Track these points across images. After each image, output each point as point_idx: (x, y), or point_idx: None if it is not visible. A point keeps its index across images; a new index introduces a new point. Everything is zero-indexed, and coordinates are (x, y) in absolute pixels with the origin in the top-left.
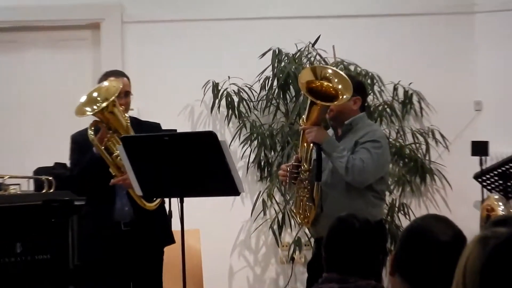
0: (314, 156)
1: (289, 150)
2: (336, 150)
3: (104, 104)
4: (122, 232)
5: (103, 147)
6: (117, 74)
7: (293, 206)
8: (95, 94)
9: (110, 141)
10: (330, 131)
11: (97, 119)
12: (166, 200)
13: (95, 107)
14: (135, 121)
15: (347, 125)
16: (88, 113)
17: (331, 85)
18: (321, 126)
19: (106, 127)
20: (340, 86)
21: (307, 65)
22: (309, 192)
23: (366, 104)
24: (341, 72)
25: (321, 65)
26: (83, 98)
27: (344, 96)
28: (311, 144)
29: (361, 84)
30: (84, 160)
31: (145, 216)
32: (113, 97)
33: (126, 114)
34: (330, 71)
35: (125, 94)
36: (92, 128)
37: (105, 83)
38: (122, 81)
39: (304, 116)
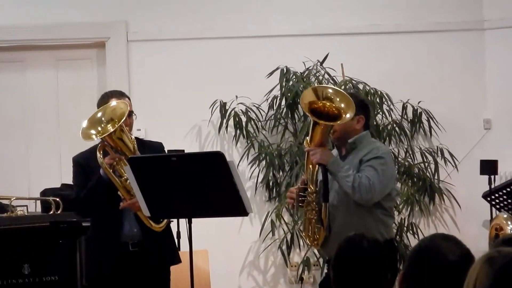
0: (320, 177)
1: (297, 170)
2: (341, 170)
3: (111, 129)
4: (130, 253)
5: (111, 171)
6: (118, 94)
7: (301, 227)
8: (99, 115)
9: (118, 165)
10: (335, 151)
11: (104, 142)
12: (174, 220)
13: (99, 128)
14: (137, 141)
15: (350, 144)
16: (93, 136)
17: (333, 104)
18: (325, 147)
19: (114, 151)
20: (342, 105)
21: (316, 84)
22: (317, 214)
23: (369, 122)
24: (342, 91)
25: (322, 85)
26: (85, 123)
27: (347, 115)
28: (317, 166)
29: (363, 102)
30: (91, 183)
31: (152, 237)
32: (120, 122)
33: (132, 136)
34: (331, 90)
35: (128, 114)
36: (101, 151)
37: (113, 103)
38: (126, 102)
39: (308, 138)
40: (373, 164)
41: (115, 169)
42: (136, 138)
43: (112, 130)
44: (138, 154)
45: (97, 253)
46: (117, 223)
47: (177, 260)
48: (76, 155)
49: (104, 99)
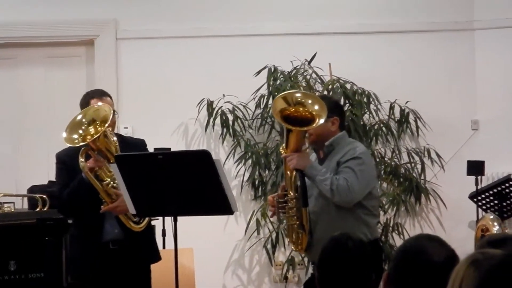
0: (298, 182)
1: (283, 169)
2: (318, 173)
3: (93, 131)
4: (110, 251)
5: (93, 174)
6: (99, 94)
7: (286, 231)
8: (79, 117)
9: (101, 169)
10: (313, 156)
11: (87, 146)
12: (160, 218)
13: (80, 131)
14: (119, 139)
15: (328, 147)
16: (76, 141)
17: (306, 109)
18: (302, 152)
19: (97, 154)
20: (315, 108)
21: (303, 83)
22: (299, 219)
23: (345, 123)
24: (312, 94)
25: (289, 91)
26: (65, 133)
27: (320, 120)
28: (294, 171)
29: (337, 103)
30: (73, 184)
31: (132, 236)
32: (104, 128)
33: (114, 138)
34: (299, 95)
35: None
36: (83, 155)
37: (98, 104)
38: (107, 102)
39: (284, 144)
40: (350, 165)
41: (97, 173)
42: (118, 135)
43: (94, 133)
44: None
45: (79, 253)
46: (98, 224)
47: (157, 258)
48: (60, 152)
49: (85, 99)
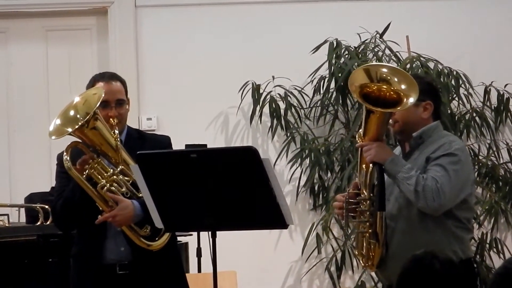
0: (375, 180)
1: (350, 171)
2: (401, 170)
3: (83, 120)
4: (118, 277)
5: (84, 177)
6: (108, 77)
7: (354, 243)
8: (72, 113)
9: (93, 169)
10: (398, 149)
11: (77, 139)
12: (194, 234)
13: (70, 121)
14: (135, 134)
15: (416, 138)
16: (66, 132)
17: (391, 87)
18: (382, 142)
19: (90, 150)
20: (403, 87)
21: (374, 62)
22: (372, 226)
23: (440, 110)
24: (402, 70)
25: (375, 63)
26: (58, 120)
27: (409, 100)
28: (371, 165)
29: (431, 85)
30: (67, 191)
31: (147, 255)
32: (94, 109)
33: (116, 130)
34: (386, 70)
35: (117, 103)
36: (69, 152)
37: (88, 93)
38: (109, 86)
39: (360, 131)
40: (443, 162)
41: (89, 175)
42: (135, 130)
43: (84, 121)
44: (124, 153)
45: (79, 276)
46: (99, 240)
47: (183, 286)
48: (62, 152)
49: (91, 83)
